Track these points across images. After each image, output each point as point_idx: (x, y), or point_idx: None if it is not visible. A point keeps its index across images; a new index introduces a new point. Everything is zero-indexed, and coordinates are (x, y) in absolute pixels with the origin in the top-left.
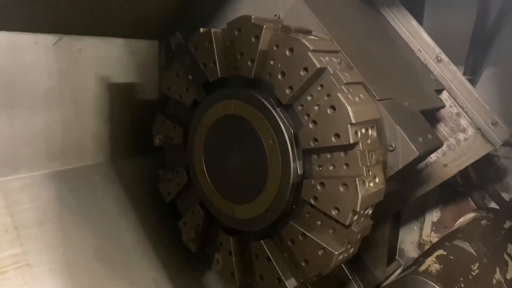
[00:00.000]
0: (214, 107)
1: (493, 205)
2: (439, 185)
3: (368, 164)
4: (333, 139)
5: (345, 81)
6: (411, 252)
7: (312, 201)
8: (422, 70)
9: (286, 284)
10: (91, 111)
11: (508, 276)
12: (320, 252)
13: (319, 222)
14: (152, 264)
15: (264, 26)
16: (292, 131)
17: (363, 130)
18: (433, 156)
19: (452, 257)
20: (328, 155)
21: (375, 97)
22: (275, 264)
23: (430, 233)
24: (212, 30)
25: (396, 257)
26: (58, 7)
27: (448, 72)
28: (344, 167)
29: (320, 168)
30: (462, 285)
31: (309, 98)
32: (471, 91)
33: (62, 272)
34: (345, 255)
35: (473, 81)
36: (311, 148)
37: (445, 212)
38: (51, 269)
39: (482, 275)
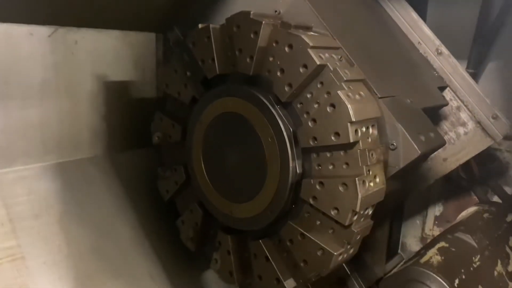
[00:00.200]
0: (212, 104)
1: (495, 199)
2: (442, 179)
3: (369, 164)
4: (332, 137)
5: (345, 78)
6: (414, 246)
7: (311, 201)
8: (424, 67)
9: (285, 284)
10: (87, 104)
11: (510, 269)
12: (319, 253)
13: (318, 222)
14: (149, 261)
15: (263, 22)
16: (291, 129)
17: (364, 129)
18: None
19: (453, 249)
20: (328, 154)
21: (377, 94)
22: (273, 264)
23: (433, 227)
24: (211, 25)
25: (399, 251)
26: None
27: (448, 65)
28: (344, 166)
29: (320, 167)
30: (463, 277)
31: (308, 95)
32: (472, 84)
33: (57, 265)
34: (345, 255)
35: (476, 75)
36: (310, 146)
37: (448, 206)
38: (46, 262)
39: (483, 267)
